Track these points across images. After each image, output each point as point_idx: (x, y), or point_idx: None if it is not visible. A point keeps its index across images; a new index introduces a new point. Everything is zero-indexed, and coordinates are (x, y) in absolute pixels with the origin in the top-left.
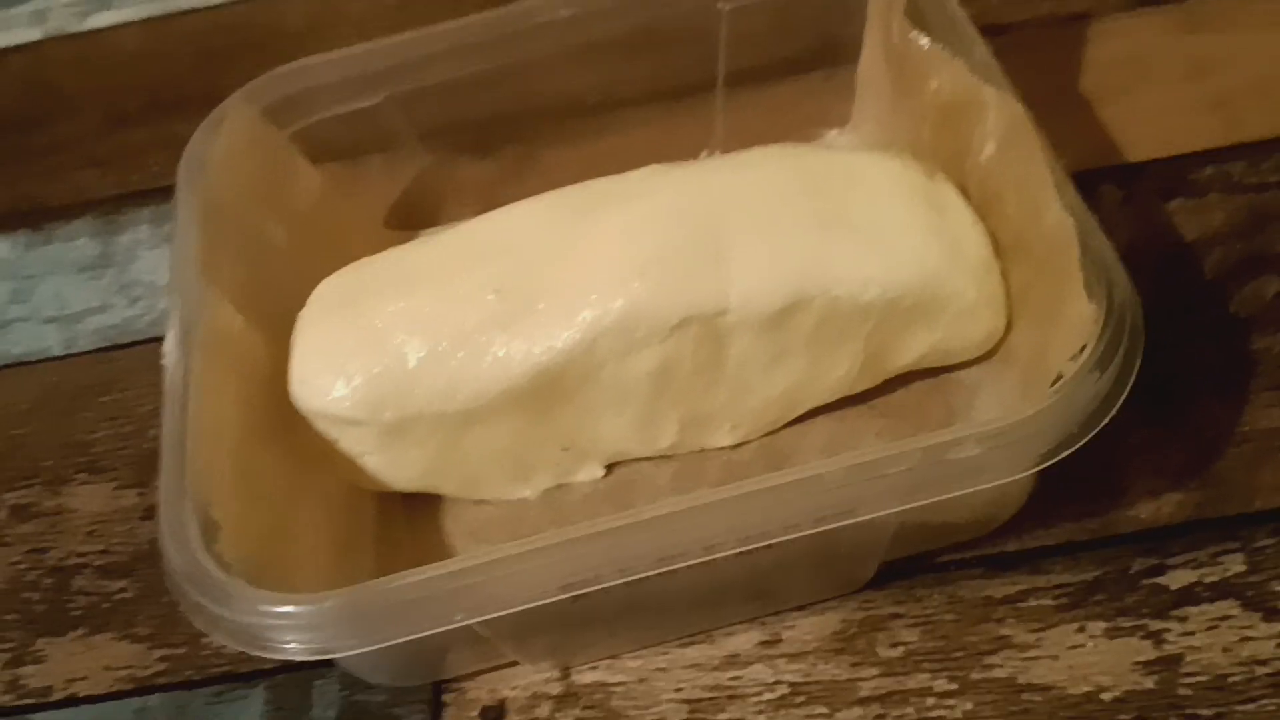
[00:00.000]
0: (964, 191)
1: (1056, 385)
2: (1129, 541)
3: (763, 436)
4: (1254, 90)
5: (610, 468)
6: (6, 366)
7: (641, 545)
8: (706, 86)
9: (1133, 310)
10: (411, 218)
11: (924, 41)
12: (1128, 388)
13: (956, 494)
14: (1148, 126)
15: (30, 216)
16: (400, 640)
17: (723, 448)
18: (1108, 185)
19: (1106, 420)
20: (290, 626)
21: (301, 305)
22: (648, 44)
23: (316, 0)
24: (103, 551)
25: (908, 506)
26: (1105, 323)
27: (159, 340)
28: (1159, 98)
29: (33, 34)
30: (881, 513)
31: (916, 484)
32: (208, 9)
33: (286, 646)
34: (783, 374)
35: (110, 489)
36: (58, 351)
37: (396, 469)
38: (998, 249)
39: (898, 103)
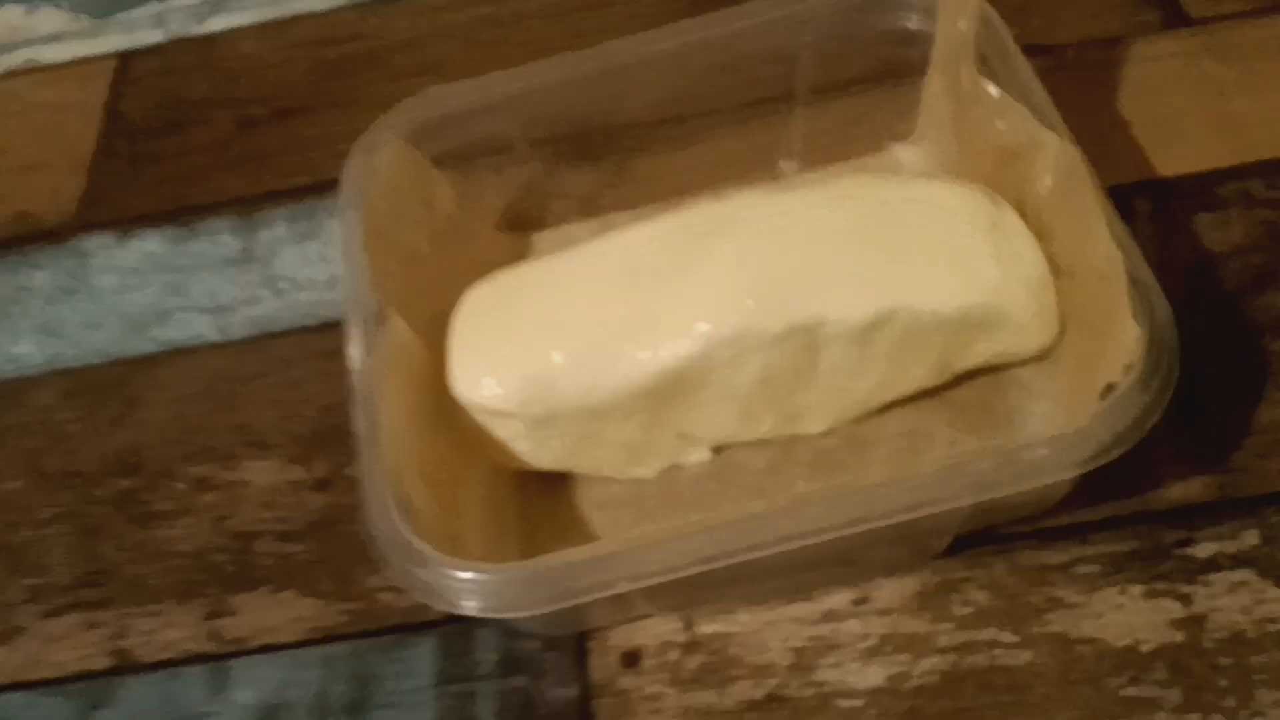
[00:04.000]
0: (1022, 214)
1: (1108, 397)
2: (1161, 518)
3: (847, 424)
4: (1272, 113)
5: (716, 451)
6: (174, 352)
7: (766, 530)
8: (782, 99)
9: (1170, 333)
10: (521, 221)
11: (993, 90)
12: (1168, 399)
13: (1024, 489)
14: (1176, 144)
15: (176, 214)
16: (564, 606)
17: (812, 434)
18: (1141, 199)
19: (1149, 427)
20: (477, 590)
21: (443, 309)
22: (735, 67)
23: (418, 11)
24: (280, 519)
25: (983, 499)
26: (1150, 344)
27: (305, 330)
28: (1187, 117)
29: (155, 36)
30: (962, 504)
31: (992, 480)
32: (317, 15)
33: (469, 605)
34: (867, 377)
35: (278, 464)
36: (216, 339)
37: (540, 453)
38: (1052, 268)
39: (961, 130)
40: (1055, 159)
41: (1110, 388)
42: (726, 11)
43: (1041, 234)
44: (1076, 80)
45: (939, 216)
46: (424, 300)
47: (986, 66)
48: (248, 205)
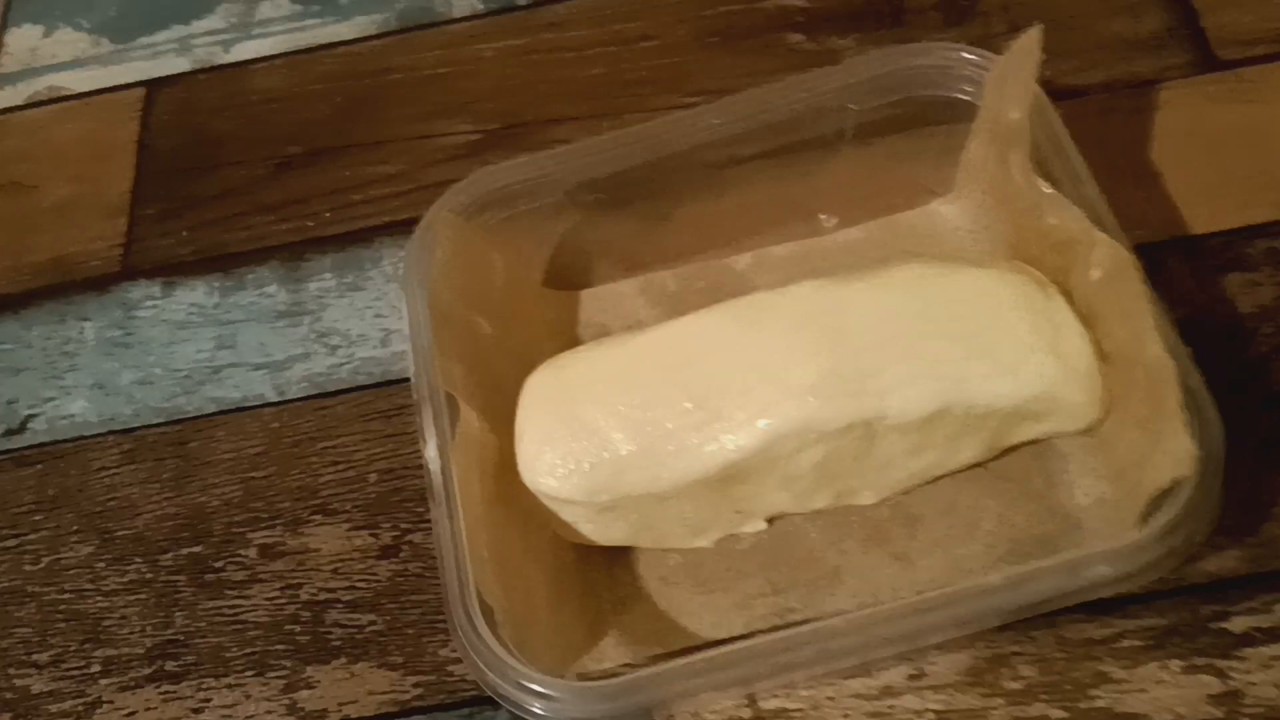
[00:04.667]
0: (1067, 296)
1: (1161, 512)
2: (1199, 592)
3: (897, 495)
4: None
5: (770, 521)
6: (232, 411)
7: (835, 640)
8: (823, 153)
9: (1220, 444)
10: (566, 278)
11: (1046, 188)
12: (1219, 509)
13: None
14: (1206, 199)
15: (218, 262)
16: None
17: (864, 505)
18: (1174, 258)
19: (1203, 539)
20: (556, 705)
21: (503, 379)
22: (776, 127)
23: (447, 40)
24: (349, 588)
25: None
26: (1202, 460)
27: (362, 389)
28: (1216, 169)
29: (181, 64)
30: (1021, 615)
31: (1050, 593)
32: (345, 43)
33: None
34: (921, 459)
35: (344, 530)
36: (273, 398)
37: (604, 533)
38: (1098, 351)
39: (1006, 203)
40: (1105, 254)
41: (1162, 495)
42: (770, 89)
43: (1089, 318)
44: (1105, 125)
45: (993, 307)
46: (487, 373)
47: (1036, 151)
48: (291, 254)
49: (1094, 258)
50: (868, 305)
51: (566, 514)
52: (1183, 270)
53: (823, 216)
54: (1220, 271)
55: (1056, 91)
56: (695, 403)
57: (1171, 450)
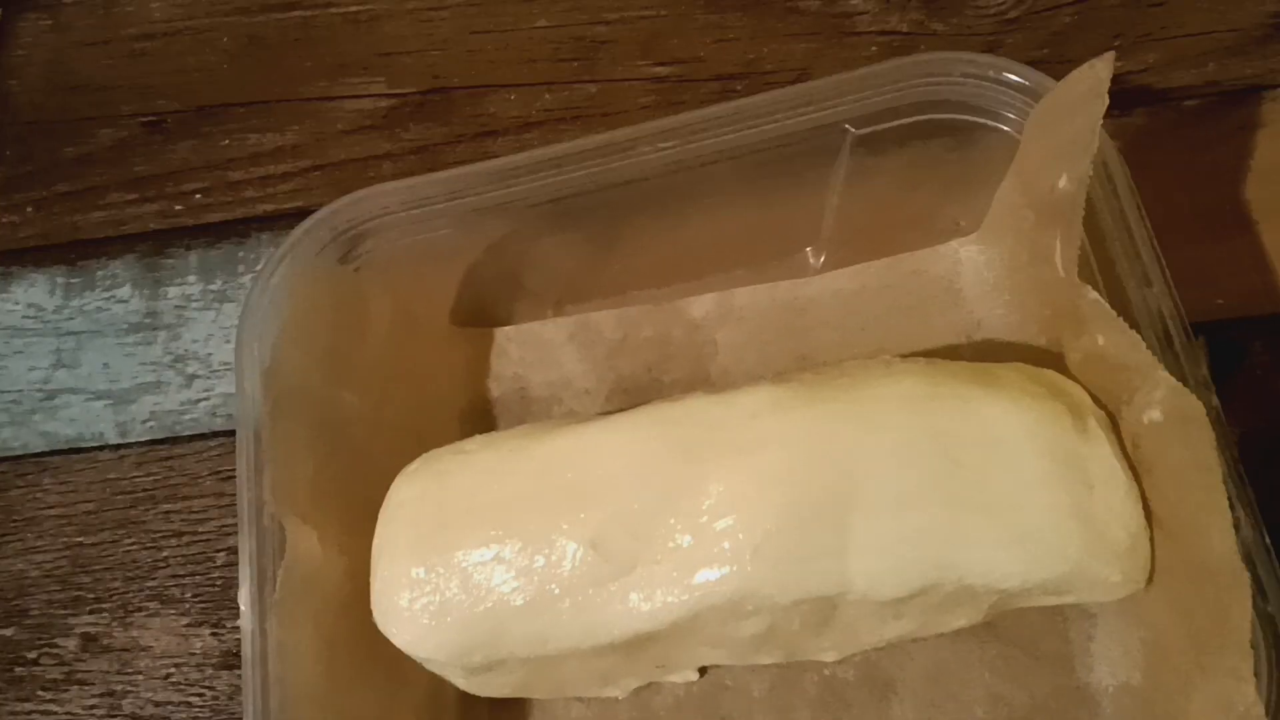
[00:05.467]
0: (1115, 427)
1: None
2: None
3: (866, 651)
4: None
5: (703, 670)
6: (64, 451)
7: None
8: (814, 175)
9: None
10: (479, 312)
11: (1093, 297)
12: None
13: None
14: None
15: (66, 250)
16: None
17: (824, 661)
18: (1259, 343)
19: None
20: None
21: (378, 481)
22: (760, 143)
23: None
24: (182, 703)
25: None
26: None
27: (218, 435)
28: None
29: None
30: None
31: None
32: None
33: None
34: (897, 627)
35: (182, 625)
36: (113, 439)
37: (481, 690)
38: (1146, 511)
39: (1043, 292)
40: (1171, 403)
41: None
42: (759, 99)
43: (1140, 464)
44: (1195, 142)
45: (1004, 456)
46: (349, 467)
47: (1091, 222)
48: (153, 247)
49: (1155, 397)
50: (841, 442)
51: (433, 668)
52: (1268, 360)
53: (809, 252)
54: None
55: (1126, 94)
56: (602, 550)
57: (1230, 701)
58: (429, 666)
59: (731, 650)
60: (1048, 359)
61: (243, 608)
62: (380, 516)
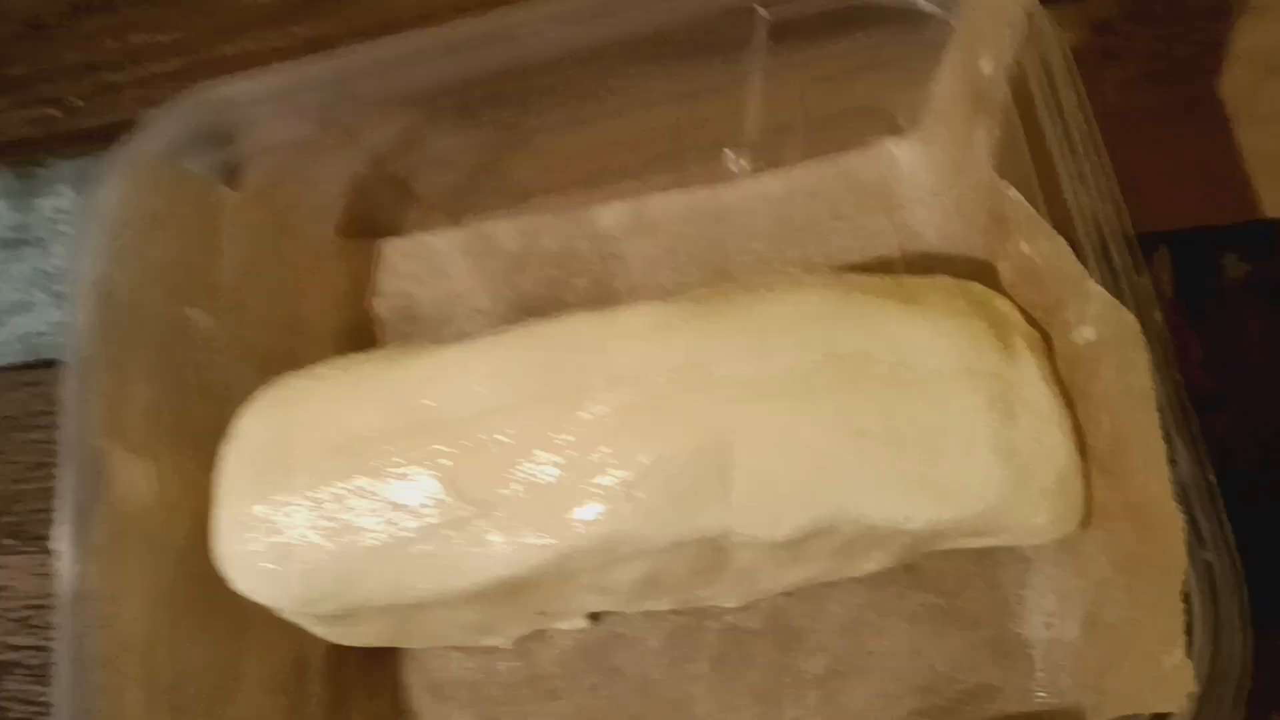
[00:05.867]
0: (1047, 348)
1: None
2: None
3: (774, 598)
4: None
5: (595, 617)
6: None
7: None
8: (735, 67)
9: (1238, 672)
10: (364, 222)
11: (1015, 198)
12: None
13: None
14: None
15: None
16: None
17: (726, 607)
18: (1231, 255)
19: None
20: None
21: (230, 408)
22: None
23: None
24: (37, 649)
25: None
26: (1211, 677)
27: None
28: None
29: None
30: None
31: None
32: None
33: None
34: (798, 571)
35: (41, 562)
36: None
37: (342, 639)
38: (1082, 446)
39: (978, 201)
40: (1104, 318)
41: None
42: None
43: (1075, 391)
44: (1167, 32)
45: (919, 383)
46: (203, 410)
47: (1030, 118)
48: (26, 154)
49: (1087, 312)
50: (726, 363)
51: (286, 617)
52: (1242, 273)
53: (729, 154)
54: None
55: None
56: (460, 488)
57: (1160, 663)
58: (280, 615)
59: (618, 597)
60: (988, 273)
61: (58, 549)
62: (221, 450)
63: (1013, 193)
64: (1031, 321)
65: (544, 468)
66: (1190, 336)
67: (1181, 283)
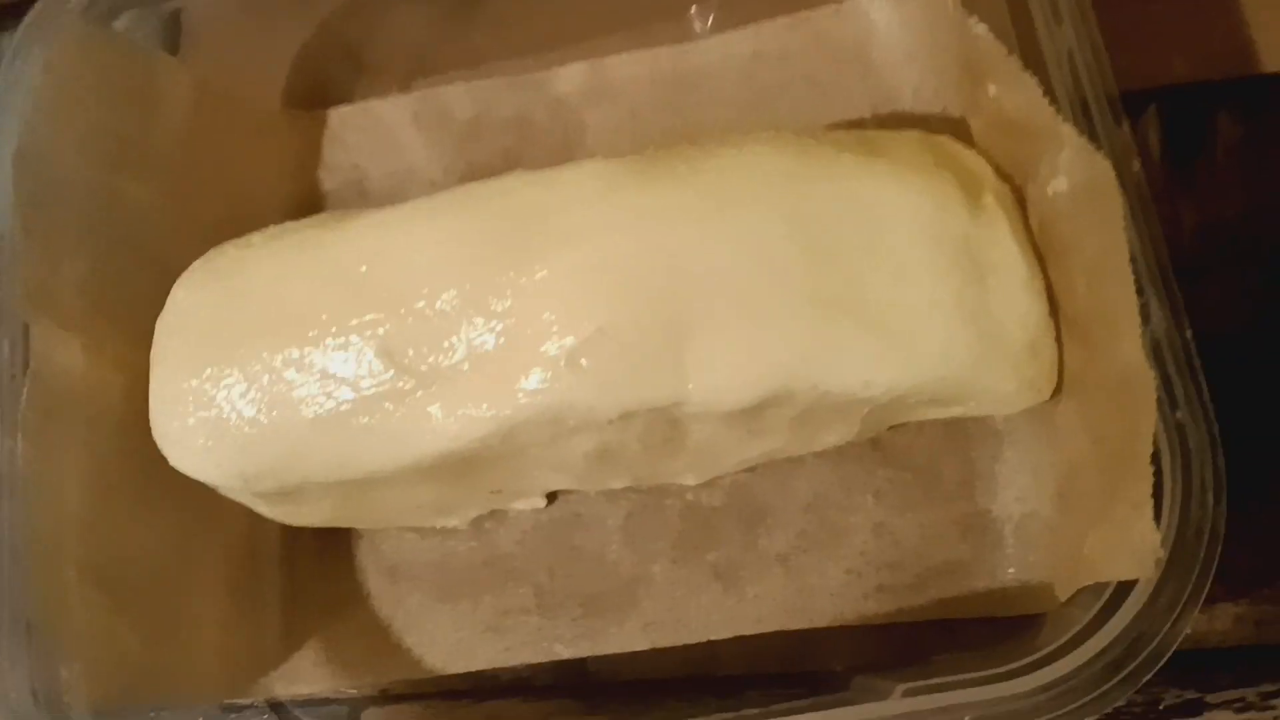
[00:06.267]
0: (1020, 205)
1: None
2: (1165, 664)
3: (736, 474)
4: None
5: (554, 495)
6: None
7: None
8: None
9: (1215, 519)
10: (311, 92)
11: (982, 33)
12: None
13: None
14: None
15: None
16: None
17: (687, 485)
18: (1225, 113)
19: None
20: None
21: (171, 283)
22: None
23: None
24: None
25: None
26: (1175, 546)
27: None
28: None
29: None
30: None
31: None
32: None
33: None
34: (758, 445)
35: None
36: None
37: (292, 519)
38: (1055, 309)
39: (953, 51)
40: (1078, 165)
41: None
42: None
43: (1049, 250)
44: None
45: (881, 244)
46: (140, 283)
47: None
48: None
49: (1060, 161)
50: (677, 222)
51: (230, 495)
52: (1236, 135)
53: (694, 12)
54: None
55: None
56: (400, 358)
57: (1128, 530)
58: (223, 493)
59: (574, 474)
60: (964, 133)
61: None
62: (158, 323)
63: (982, 29)
64: (1004, 177)
65: (486, 336)
66: (1180, 201)
67: (1172, 144)
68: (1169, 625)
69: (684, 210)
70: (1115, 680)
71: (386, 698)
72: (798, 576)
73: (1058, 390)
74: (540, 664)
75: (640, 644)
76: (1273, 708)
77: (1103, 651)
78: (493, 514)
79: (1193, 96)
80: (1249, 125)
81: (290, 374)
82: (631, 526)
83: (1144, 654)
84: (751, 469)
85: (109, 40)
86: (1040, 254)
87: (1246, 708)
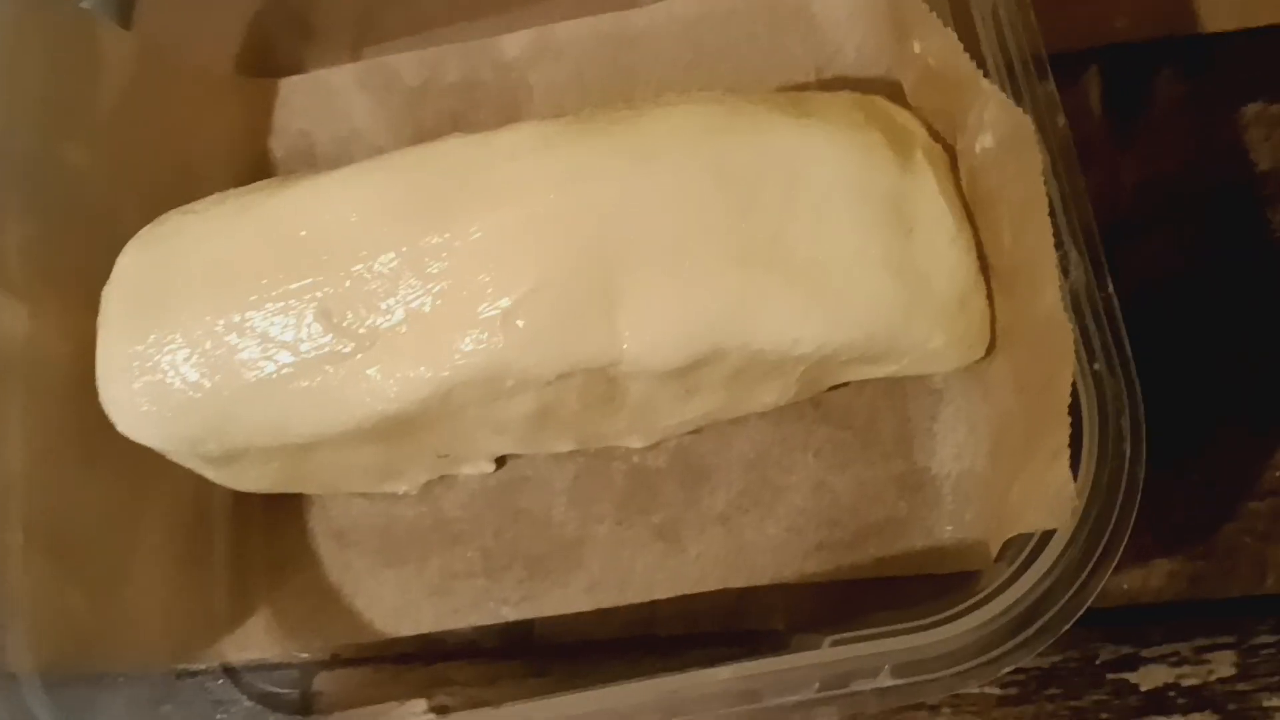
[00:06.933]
0: (951, 163)
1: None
2: (1101, 620)
3: (680, 437)
4: None
5: (502, 460)
6: None
7: None
8: None
9: (1132, 469)
10: (262, 60)
11: None
12: (1113, 562)
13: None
14: None
15: None
16: None
17: (632, 448)
18: (1167, 71)
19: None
20: None
21: (120, 242)
22: None
23: None
24: None
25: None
26: (1080, 519)
27: None
28: None
29: None
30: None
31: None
32: None
33: None
34: (697, 404)
35: None
36: None
37: (238, 483)
38: (985, 267)
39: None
40: (997, 115)
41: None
42: None
43: (977, 205)
44: None
45: (807, 198)
46: (88, 245)
47: None
48: None
49: (985, 117)
50: (608, 180)
51: (174, 458)
52: (1179, 93)
53: None
54: (1242, 97)
55: None
56: (337, 320)
57: (1046, 479)
58: (170, 458)
59: (518, 436)
60: (902, 93)
61: None
62: (104, 290)
63: None
64: (935, 135)
65: (421, 297)
66: (1121, 158)
67: (1113, 102)
68: (1086, 573)
69: (613, 167)
70: (1034, 628)
71: (337, 662)
72: (738, 534)
73: (991, 348)
74: (487, 627)
75: (584, 604)
76: (1206, 661)
77: (1018, 600)
78: (441, 479)
79: (1134, 56)
80: (1189, 84)
81: (232, 338)
82: (577, 489)
83: (1061, 602)
84: (696, 431)
85: (51, 5)
86: (970, 210)
87: (1181, 662)
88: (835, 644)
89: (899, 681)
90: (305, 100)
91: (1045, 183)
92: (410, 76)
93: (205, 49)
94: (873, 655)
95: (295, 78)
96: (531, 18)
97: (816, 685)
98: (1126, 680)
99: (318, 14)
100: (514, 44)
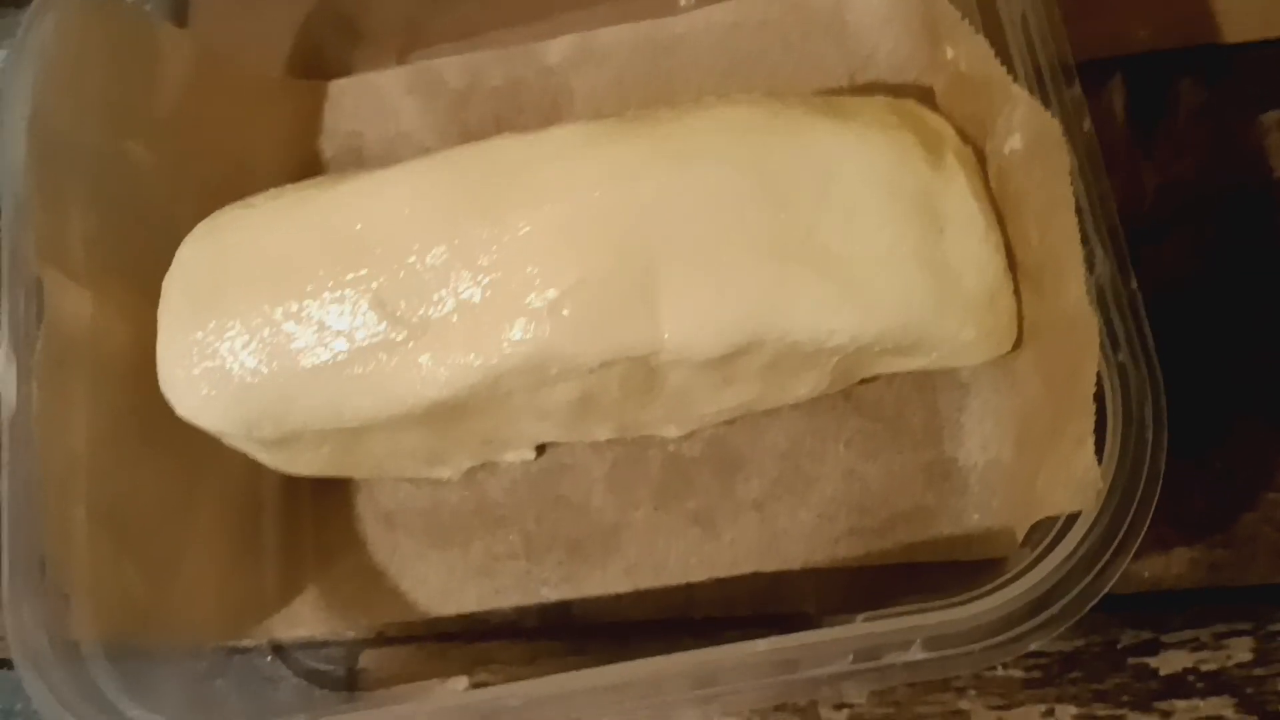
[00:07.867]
0: (980, 164)
1: (1027, 573)
2: (1122, 606)
3: (715, 427)
4: None
5: (541, 449)
6: None
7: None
8: None
9: (1154, 455)
10: (312, 63)
11: None
12: (1135, 543)
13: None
14: None
15: None
16: None
17: (668, 437)
18: (1188, 79)
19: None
20: None
21: (172, 248)
22: None
23: None
24: None
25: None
26: (1104, 500)
27: None
28: None
29: None
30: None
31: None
32: None
33: None
34: (733, 394)
35: None
36: None
37: (290, 467)
38: (1013, 264)
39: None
40: (1026, 118)
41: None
42: None
43: (1005, 205)
44: None
45: (842, 196)
46: (147, 238)
47: None
48: None
49: (1014, 120)
50: (653, 185)
51: (229, 442)
52: (1199, 102)
53: None
54: (1258, 106)
55: None
56: (391, 309)
57: (1071, 464)
58: (226, 441)
59: (560, 423)
60: (933, 97)
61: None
62: (165, 280)
63: None
64: (965, 138)
65: (471, 288)
66: (1143, 163)
67: (1135, 109)
68: (1109, 556)
69: (655, 165)
70: (1057, 607)
71: (381, 640)
72: (771, 521)
73: (1018, 343)
74: (527, 607)
75: (622, 586)
76: (1225, 647)
77: (1043, 580)
78: (484, 465)
79: (1156, 64)
80: (1209, 92)
81: (289, 326)
82: (615, 476)
83: (1084, 583)
84: (730, 422)
85: (116, 10)
86: (999, 210)
87: (1200, 647)
88: (869, 619)
89: (930, 655)
90: (354, 102)
91: (1072, 183)
92: (455, 80)
93: (257, 52)
94: (905, 629)
95: (344, 80)
96: (572, 24)
97: (850, 658)
98: (1147, 664)
99: (366, 19)
100: (556, 49)
